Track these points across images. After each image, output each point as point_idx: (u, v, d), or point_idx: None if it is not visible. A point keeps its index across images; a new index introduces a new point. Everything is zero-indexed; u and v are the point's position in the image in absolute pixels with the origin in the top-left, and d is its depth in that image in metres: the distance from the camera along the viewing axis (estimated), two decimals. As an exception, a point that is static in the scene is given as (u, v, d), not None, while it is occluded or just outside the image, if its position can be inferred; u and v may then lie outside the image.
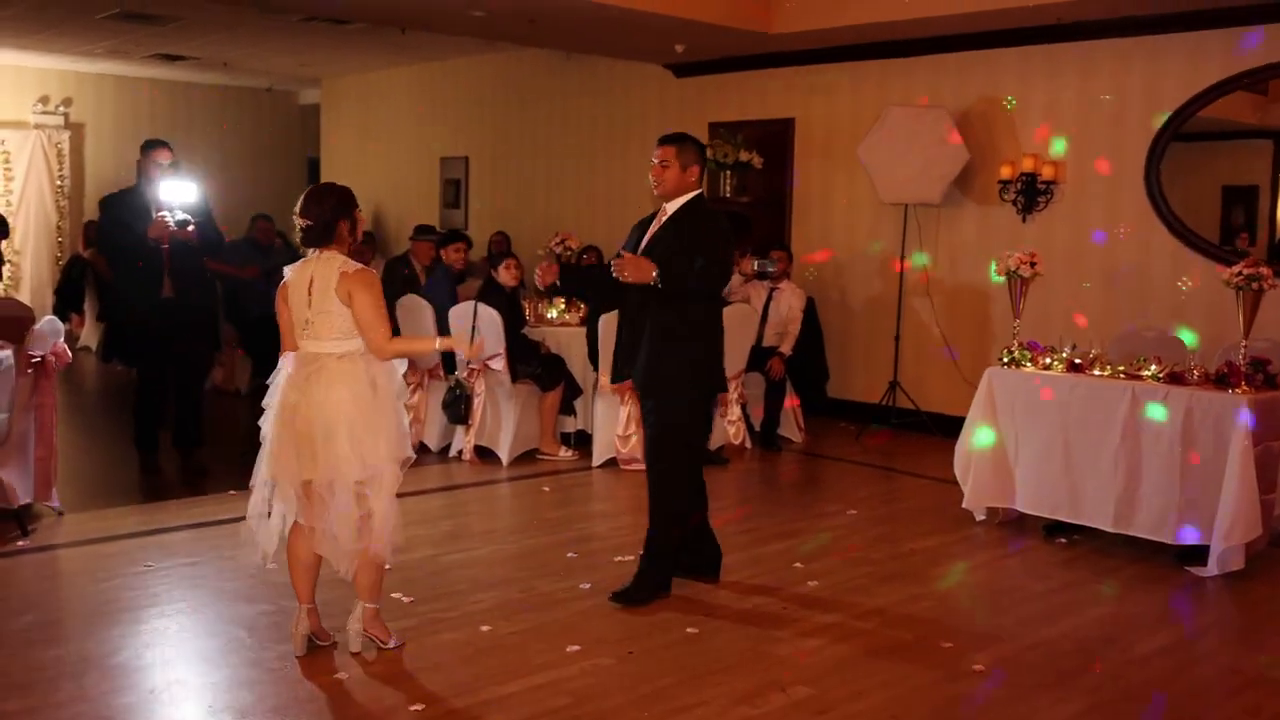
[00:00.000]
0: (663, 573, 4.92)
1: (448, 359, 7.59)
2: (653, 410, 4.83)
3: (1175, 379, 5.65)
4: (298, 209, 4.06)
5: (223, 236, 7.42)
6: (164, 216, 6.50)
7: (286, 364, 4.11)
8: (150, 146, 6.76)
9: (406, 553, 5.39)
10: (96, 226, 6.88)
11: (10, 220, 12.61)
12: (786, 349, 8.31)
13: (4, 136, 13.88)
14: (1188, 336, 7.13)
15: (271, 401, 4.10)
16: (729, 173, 9.67)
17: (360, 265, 4.07)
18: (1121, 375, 5.82)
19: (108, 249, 6.82)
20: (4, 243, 12.52)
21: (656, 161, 4.76)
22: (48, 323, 5.88)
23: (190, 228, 6.55)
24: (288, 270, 4.12)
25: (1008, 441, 6.15)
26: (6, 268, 13.53)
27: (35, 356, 5.61)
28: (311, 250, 4.08)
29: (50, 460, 5.81)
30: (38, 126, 14.10)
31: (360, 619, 4.16)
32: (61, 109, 14.32)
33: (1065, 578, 5.42)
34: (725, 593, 5.02)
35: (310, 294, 4.00)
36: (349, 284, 3.97)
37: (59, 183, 14.24)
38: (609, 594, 4.81)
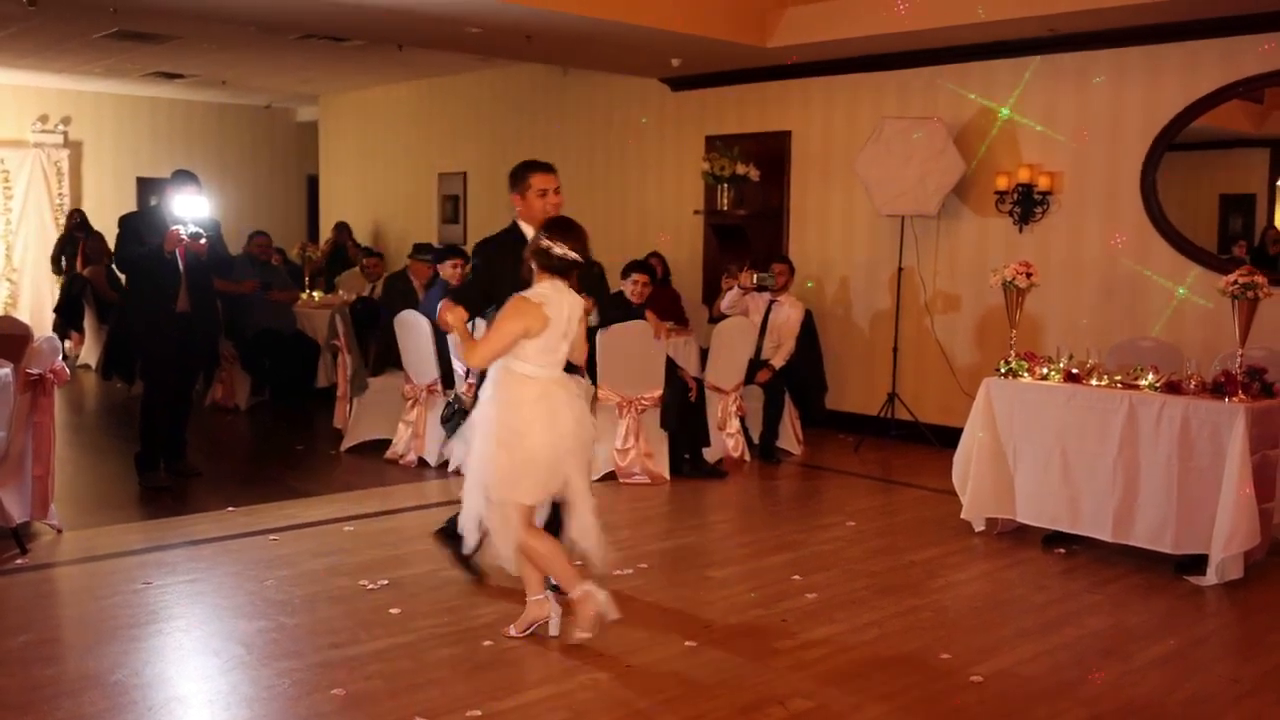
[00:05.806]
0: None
1: (447, 374, 7.60)
2: None
3: (1172, 388, 5.65)
4: (573, 245, 4.26)
5: (232, 259, 7.51)
6: (177, 229, 6.64)
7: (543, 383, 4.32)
8: (181, 180, 6.83)
9: (406, 567, 5.42)
10: (115, 241, 6.97)
11: (9, 239, 12.69)
12: (777, 362, 8.30)
13: (3, 155, 13.91)
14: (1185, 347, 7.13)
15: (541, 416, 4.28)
16: (726, 186, 9.70)
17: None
18: (1119, 385, 5.82)
19: (123, 262, 6.93)
20: (12, 262, 12.61)
21: None
22: (46, 340, 5.88)
23: (202, 240, 6.71)
24: (539, 293, 4.27)
25: (1006, 452, 6.16)
26: (5, 286, 13.58)
27: (34, 374, 5.62)
28: (556, 279, 4.31)
29: (48, 478, 5.80)
30: (37, 145, 14.13)
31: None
32: (60, 127, 14.36)
33: (1064, 588, 5.41)
34: (724, 606, 5.01)
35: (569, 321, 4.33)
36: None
37: (58, 201, 14.25)
38: None
